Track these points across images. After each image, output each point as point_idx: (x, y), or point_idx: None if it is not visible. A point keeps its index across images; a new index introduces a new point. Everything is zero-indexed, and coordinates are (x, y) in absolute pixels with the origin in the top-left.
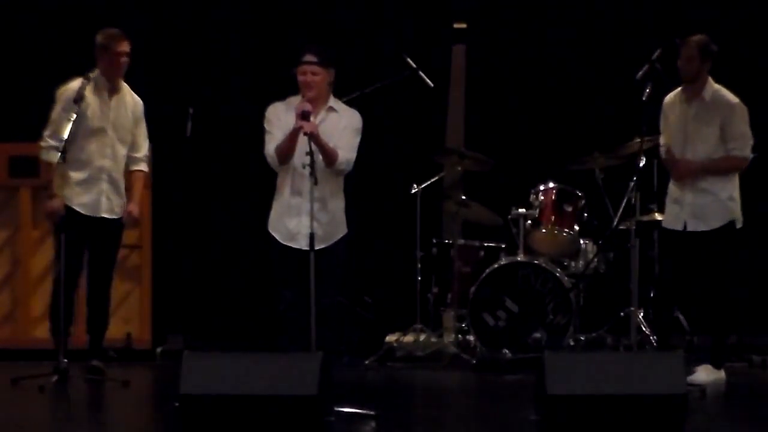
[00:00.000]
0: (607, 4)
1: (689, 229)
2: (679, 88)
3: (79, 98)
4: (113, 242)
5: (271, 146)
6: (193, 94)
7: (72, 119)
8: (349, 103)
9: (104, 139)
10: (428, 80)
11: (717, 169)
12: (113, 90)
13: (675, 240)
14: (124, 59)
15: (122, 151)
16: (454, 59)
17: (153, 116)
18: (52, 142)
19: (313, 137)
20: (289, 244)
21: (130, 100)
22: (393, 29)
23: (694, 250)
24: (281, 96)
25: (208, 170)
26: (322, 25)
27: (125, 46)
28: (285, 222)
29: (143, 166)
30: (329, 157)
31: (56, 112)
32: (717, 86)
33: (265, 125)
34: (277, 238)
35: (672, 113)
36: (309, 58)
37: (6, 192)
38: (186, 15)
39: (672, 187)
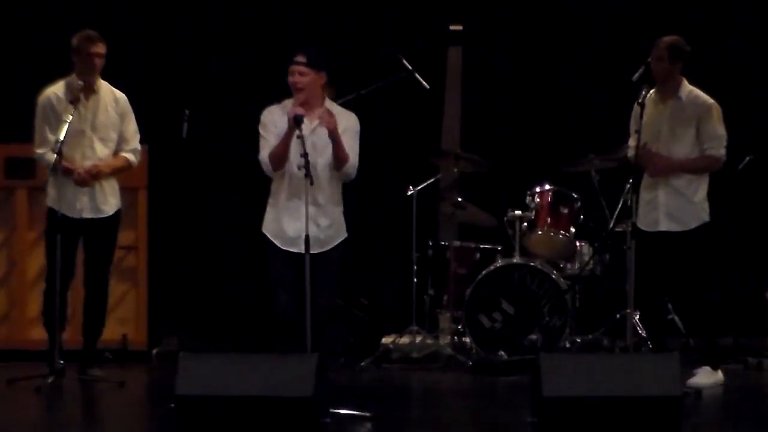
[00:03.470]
0: (602, 5)
1: (662, 228)
2: (653, 90)
3: (75, 100)
4: (105, 242)
5: (265, 152)
6: (189, 95)
7: (68, 120)
8: (346, 105)
9: (83, 141)
10: (424, 82)
11: (694, 168)
12: (89, 90)
13: (650, 241)
14: (98, 60)
15: (104, 150)
16: (450, 61)
17: (150, 117)
18: (40, 151)
19: (333, 134)
20: (290, 249)
21: (110, 97)
22: (389, 31)
23: (669, 251)
24: (278, 97)
25: (205, 172)
26: (319, 26)
27: (99, 48)
28: (284, 227)
29: (128, 155)
30: (341, 158)
31: (37, 122)
32: (691, 87)
33: (260, 130)
34: (277, 243)
35: (645, 114)
36: (298, 58)
37: (2, 193)
38: (182, 16)
39: (644, 190)
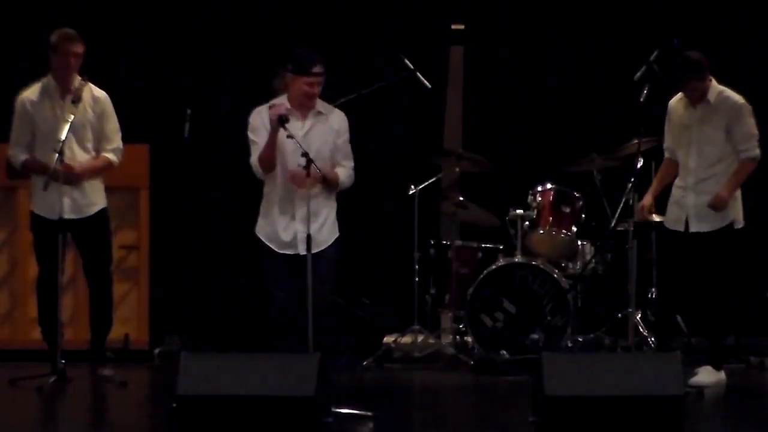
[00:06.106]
0: (604, 5)
1: (692, 230)
2: (681, 92)
3: (77, 99)
4: (95, 241)
5: (256, 156)
6: (190, 95)
7: (70, 120)
8: (347, 105)
9: (59, 142)
10: (426, 81)
11: (738, 181)
12: (66, 90)
13: (676, 240)
14: (75, 60)
15: (82, 151)
16: (451, 60)
17: (151, 117)
18: (12, 152)
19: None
20: (285, 252)
21: (89, 96)
22: (390, 30)
23: (694, 251)
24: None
25: (206, 171)
26: (320, 25)
27: (77, 48)
28: (278, 231)
29: (110, 154)
30: (331, 183)
31: (14, 123)
32: (721, 87)
33: (249, 134)
34: (273, 247)
35: (676, 115)
36: (318, 69)
37: (3, 193)
38: (184, 15)
39: (675, 190)
